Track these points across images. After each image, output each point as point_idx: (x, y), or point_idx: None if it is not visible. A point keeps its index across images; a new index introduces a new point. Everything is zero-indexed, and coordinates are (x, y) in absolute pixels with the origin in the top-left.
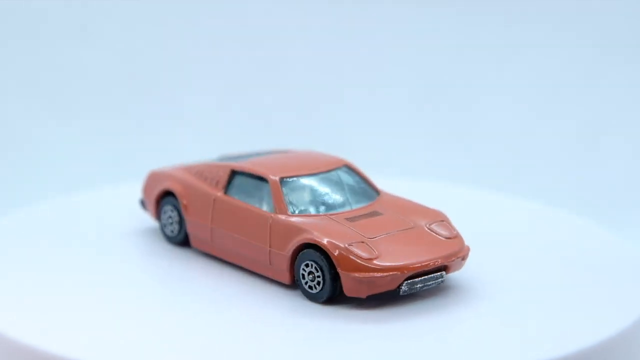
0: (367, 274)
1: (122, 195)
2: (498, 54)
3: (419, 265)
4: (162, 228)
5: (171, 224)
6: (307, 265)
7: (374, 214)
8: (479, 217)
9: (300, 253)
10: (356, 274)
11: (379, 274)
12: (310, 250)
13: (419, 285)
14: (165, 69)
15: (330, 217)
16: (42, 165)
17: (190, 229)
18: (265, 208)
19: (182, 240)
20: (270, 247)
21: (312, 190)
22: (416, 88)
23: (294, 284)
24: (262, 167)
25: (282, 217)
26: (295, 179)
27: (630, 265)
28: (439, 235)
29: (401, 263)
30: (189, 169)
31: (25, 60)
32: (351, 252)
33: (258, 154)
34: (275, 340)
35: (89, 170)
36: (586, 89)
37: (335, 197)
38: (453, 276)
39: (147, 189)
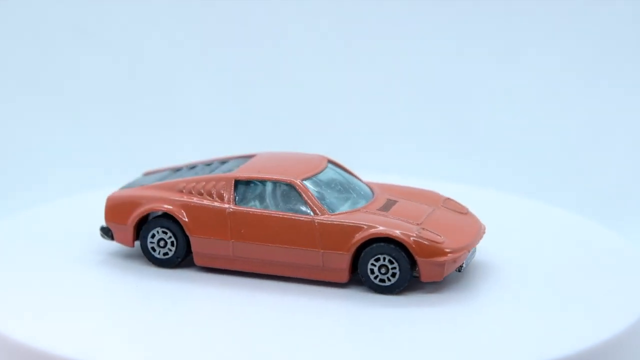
0: (445, 257)
1: None
2: (498, 53)
3: (476, 241)
4: (150, 252)
5: (163, 246)
6: (377, 260)
7: (392, 202)
8: (477, 216)
9: (368, 248)
10: (437, 259)
11: (457, 255)
12: (381, 244)
13: (469, 261)
14: (164, 71)
15: (365, 210)
16: (43, 167)
17: (198, 247)
18: (288, 212)
19: (177, 262)
20: (322, 249)
21: (330, 188)
22: (415, 88)
23: (350, 282)
24: (272, 172)
25: (325, 217)
26: (311, 179)
27: (631, 265)
28: (457, 212)
29: (466, 242)
30: (164, 187)
31: (25, 61)
32: (425, 239)
33: (210, 164)
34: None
35: (90, 171)
36: (587, 88)
37: (349, 191)
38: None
39: (114, 214)
